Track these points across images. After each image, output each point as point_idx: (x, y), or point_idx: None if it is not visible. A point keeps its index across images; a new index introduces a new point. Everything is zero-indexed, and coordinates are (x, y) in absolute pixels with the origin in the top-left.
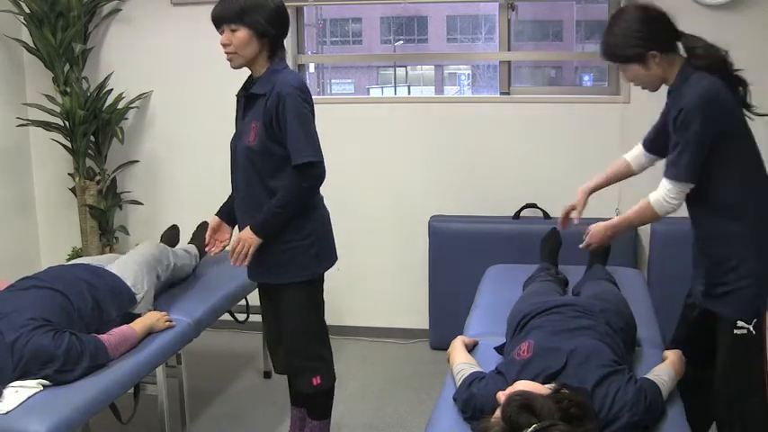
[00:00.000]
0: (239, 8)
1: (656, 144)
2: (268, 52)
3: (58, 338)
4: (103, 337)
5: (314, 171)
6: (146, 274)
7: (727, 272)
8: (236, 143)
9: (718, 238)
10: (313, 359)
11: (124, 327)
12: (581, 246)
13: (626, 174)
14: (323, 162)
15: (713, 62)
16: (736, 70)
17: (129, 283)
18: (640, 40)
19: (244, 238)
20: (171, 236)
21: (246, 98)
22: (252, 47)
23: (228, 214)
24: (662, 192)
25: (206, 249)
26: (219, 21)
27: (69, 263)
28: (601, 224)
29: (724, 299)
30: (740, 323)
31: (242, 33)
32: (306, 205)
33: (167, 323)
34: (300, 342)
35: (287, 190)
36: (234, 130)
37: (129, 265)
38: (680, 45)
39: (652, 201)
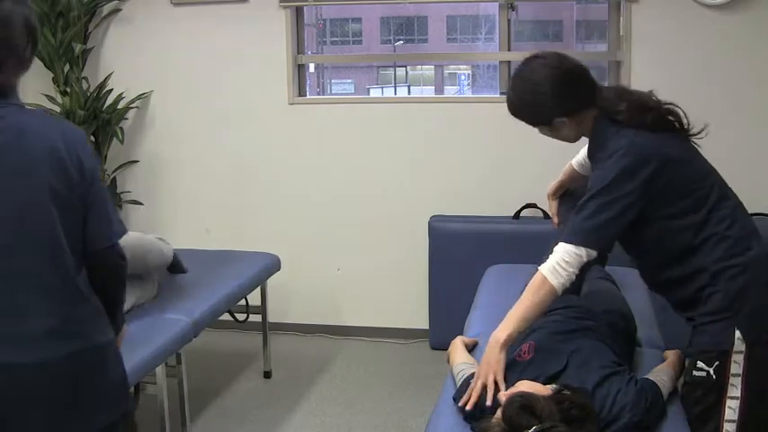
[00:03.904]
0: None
1: None
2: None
3: None
4: None
5: None
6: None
7: (695, 307)
8: None
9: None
10: None
11: None
12: None
13: (574, 176)
14: None
15: (637, 117)
16: (665, 104)
17: None
18: (554, 104)
19: None
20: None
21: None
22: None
23: None
24: None
25: None
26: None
27: None
28: None
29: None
30: (700, 364)
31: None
32: None
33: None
34: None
35: None
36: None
37: None
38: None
39: None
